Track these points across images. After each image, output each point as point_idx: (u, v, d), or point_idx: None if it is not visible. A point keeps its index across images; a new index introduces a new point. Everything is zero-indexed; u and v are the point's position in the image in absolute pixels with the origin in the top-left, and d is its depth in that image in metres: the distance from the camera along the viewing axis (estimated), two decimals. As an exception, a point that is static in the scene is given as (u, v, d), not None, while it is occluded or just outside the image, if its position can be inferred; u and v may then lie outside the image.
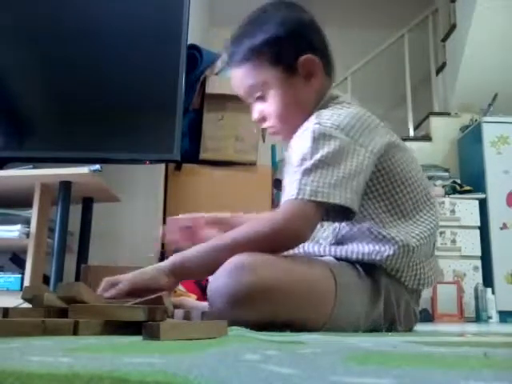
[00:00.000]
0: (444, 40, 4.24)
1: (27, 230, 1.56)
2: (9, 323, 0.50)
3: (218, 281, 0.73)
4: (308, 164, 0.81)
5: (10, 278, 1.58)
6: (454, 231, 3.37)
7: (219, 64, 2.12)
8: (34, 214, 1.56)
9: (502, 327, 2.05)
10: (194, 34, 2.37)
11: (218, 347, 0.41)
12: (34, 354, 0.34)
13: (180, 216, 1.12)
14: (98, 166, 1.53)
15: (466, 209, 3.41)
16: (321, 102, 0.96)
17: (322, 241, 0.94)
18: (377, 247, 0.87)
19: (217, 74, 2.12)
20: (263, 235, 0.79)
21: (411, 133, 4.18)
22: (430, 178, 3.60)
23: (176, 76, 1.71)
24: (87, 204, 1.75)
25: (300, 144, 0.86)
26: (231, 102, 2.08)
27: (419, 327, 1.06)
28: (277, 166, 2.46)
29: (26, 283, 1.50)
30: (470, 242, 3.36)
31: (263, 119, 0.98)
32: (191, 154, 2.06)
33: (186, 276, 0.87)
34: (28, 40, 1.82)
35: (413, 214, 0.92)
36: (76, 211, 1.70)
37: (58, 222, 1.55)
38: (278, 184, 2.74)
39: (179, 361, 0.31)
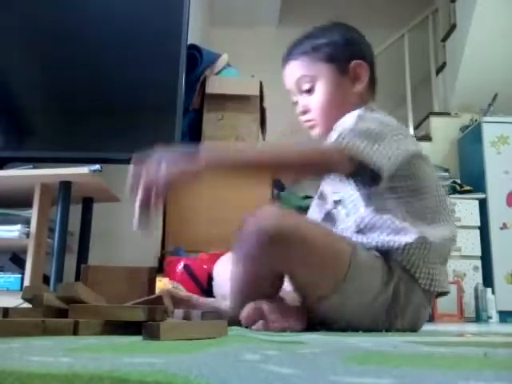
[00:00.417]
0: (444, 40, 4.24)
1: (27, 230, 1.56)
2: (9, 323, 0.50)
3: (253, 223, 0.80)
4: (352, 129, 0.87)
5: (10, 278, 1.58)
6: (454, 231, 3.37)
7: (219, 64, 2.12)
8: (34, 213, 1.56)
9: (502, 327, 2.05)
10: (194, 34, 2.37)
11: (218, 347, 0.41)
12: (34, 354, 0.34)
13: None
14: (97, 166, 1.53)
15: (466, 209, 3.41)
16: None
17: (345, 231, 0.96)
18: (396, 237, 0.90)
19: (217, 73, 2.12)
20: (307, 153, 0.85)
21: (411, 133, 4.17)
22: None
23: (176, 76, 1.71)
24: (87, 204, 1.75)
25: (343, 122, 0.92)
26: (231, 101, 2.08)
27: (419, 327, 1.06)
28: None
29: (26, 283, 1.50)
30: (470, 242, 3.36)
31: (306, 111, 1.05)
32: (191, 154, 2.05)
33: (219, 160, 0.85)
34: (28, 40, 1.82)
35: (432, 221, 0.95)
36: (76, 211, 1.70)
37: (58, 222, 1.55)
38: (278, 184, 2.74)
39: (179, 361, 0.31)
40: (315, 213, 1.05)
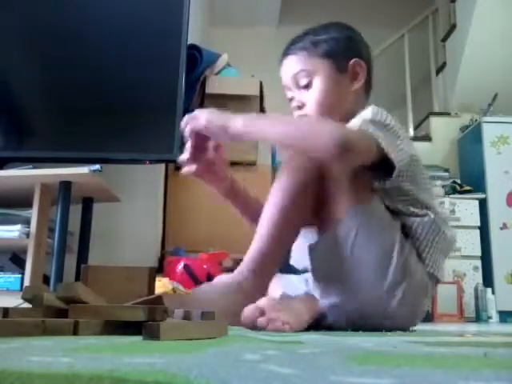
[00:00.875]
0: (444, 40, 4.24)
1: (27, 230, 1.56)
2: (9, 323, 0.50)
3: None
4: (373, 120, 0.88)
5: (10, 278, 1.58)
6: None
7: (219, 64, 2.12)
8: (34, 213, 1.56)
9: (502, 327, 2.05)
10: (194, 34, 2.37)
11: (218, 347, 0.42)
12: (34, 354, 0.34)
13: None
14: (97, 166, 1.53)
15: (466, 209, 3.42)
16: (359, 111, 1.00)
17: None
18: (417, 210, 0.95)
19: (217, 73, 2.12)
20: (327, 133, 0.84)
21: (411, 133, 4.17)
22: (429, 177, 3.60)
23: (176, 76, 1.71)
24: (87, 204, 1.75)
25: (360, 116, 0.92)
26: (231, 101, 2.09)
27: (419, 327, 1.06)
28: (277, 166, 2.46)
29: (26, 283, 1.50)
30: (470, 242, 3.36)
31: (301, 107, 1.03)
32: (191, 153, 2.05)
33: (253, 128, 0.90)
34: (28, 40, 1.82)
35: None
36: (76, 211, 1.70)
37: (58, 222, 1.55)
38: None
39: (179, 361, 0.31)
40: None
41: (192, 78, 2.02)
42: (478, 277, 3.32)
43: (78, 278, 1.60)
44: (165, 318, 0.52)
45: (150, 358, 0.32)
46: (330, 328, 0.87)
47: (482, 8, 3.57)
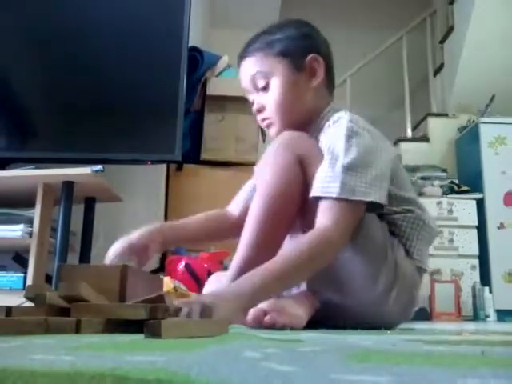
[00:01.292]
0: (442, 42, 4.24)
1: (30, 229, 1.56)
2: (11, 322, 0.50)
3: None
4: (344, 162, 0.85)
5: (12, 277, 1.59)
6: (451, 231, 3.37)
7: (220, 66, 2.12)
8: (36, 213, 1.56)
9: (500, 326, 2.05)
10: (195, 36, 2.37)
11: (219, 345, 0.42)
12: (37, 353, 0.34)
13: (133, 236, 1.07)
14: (100, 167, 1.53)
15: (464, 209, 3.42)
16: (324, 111, 0.99)
17: None
18: (394, 206, 0.95)
19: (217, 75, 2.12)
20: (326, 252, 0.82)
21: (409, 133, 4.17)
22: (427, 178, 3.61)
23: (177, 77, 1.71)
24: (89, 204, 1.75)
25: (332, 139, 0.89)
26: (232, 103, 2.09)
27: (417, 326, 1.07)
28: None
29: (29, 282, 1.50)
30: (468, 242, 3.37)
31: (261, 110, 1.01)
32: (192, 154, 2.06)
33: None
34: (30, 41, 1.82)
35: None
36: (78, 211, 1.71)
37: (60, 222, 1.55)
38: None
39: (180, 359, 0.32)
40: None
41: (193, 79, 2.02)
42: (476, 276, 3.32)
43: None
44: (166, 316, 0.52)
45: (152, 356, 0.32)
46: (328, 326, 0.87)
47: (480, 10, 3.57)
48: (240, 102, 2.15)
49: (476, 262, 3.35)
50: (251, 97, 1.03)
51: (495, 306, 3.17)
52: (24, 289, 1.50)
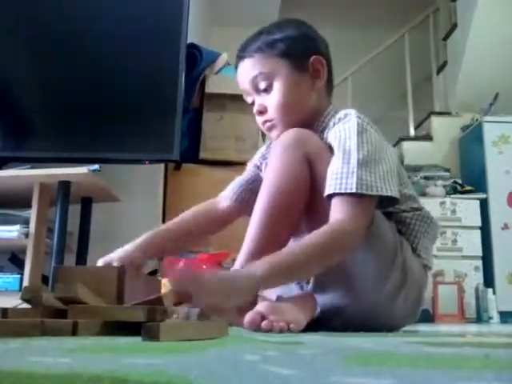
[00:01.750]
0: (445, 39, 4.24)
1: (26, 230, 1.56)
2: (8, 323, 0.50)
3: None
4: (359, 157, 0.85)
5: (8, 279, 1.58)
6: (454, 231, 3.37)
7: (219, 63, 2.12)
8: (32, 214, 1.55)
9: (503, 328, 2.05)
10: (194, 34, 2.37)
11: (218, 348, 0.41)
12: (34, 355, 0.34)
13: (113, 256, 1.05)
14: (96, 166, 1.53)
15: (467, 209, 3.41)
16: (324, 112, 0.99)
17: None
18: (402, 205, 0.96)
19: (216, 73, 2.12)
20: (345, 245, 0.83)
21: (412, 132, 4.18)
22: (430, 178, 3.60)
23: (176, 75, 1.70)
24: (86, 204, 1.75)
25: (342, 135, 0.89)
26: (231, 101, 2.08)
27: (420, 327, 1.06)
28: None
29: (25, 283, 1.50)
30: (471, 243, 3.36)
31: (263, 112, 0.99)
32: (191, 153, 2.05)
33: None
34: (27, 40, 1.82)
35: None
36: (75, 211, 1.70)
37: (56, 222, 1.55)
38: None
39: (178, 361, 0.31)
40: None
41: (192, 77, 2.01)
42: (479, 277, 3.31)
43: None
44: (164, 318, 0.52)
45: (149, 359, 0.32)
46: (328, 328, 0.87)
47: (483, 7, 3.56)
48: (240, 101, 2.14)
49: (479, 263, 3.35)
50: (250, 98, 1.02)
51: (498, 308, 3.16)
52: (20, 290, 1.50)
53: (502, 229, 3.33)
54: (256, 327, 0.74)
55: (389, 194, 0.84)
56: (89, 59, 1.76)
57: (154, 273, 1.83)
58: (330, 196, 0.85)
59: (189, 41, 1.83)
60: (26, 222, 1.56)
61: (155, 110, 1.72)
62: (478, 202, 3.41)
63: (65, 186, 1.56)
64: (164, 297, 0.56)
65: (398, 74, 4.33)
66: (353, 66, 4.39)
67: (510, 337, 0.91)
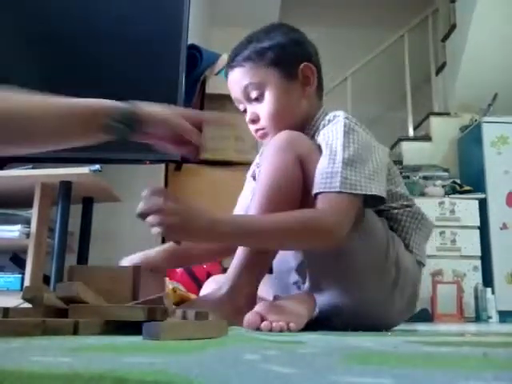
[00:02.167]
0: (444, 40, 4.24)
1: (27, 230, 1.56)
2: (9, 323, 0.50)
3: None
4: (344, 157, 0.86)
5: (10, 278, 1.58)
6: (453, 231, 3.37)
7: (219, 64, 2.12)
8: (34, 213, 1.56)
9: (502, 327, 2.05)
10: (194, 34, 2.37)
11: (218, 347, 0.42)
12: (35, 354, 0.34)
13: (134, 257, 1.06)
14: (97, 166, 1.53)
15: (466, 209, 3.41)
16: (315, 116, 1.00)
17: None
18: (393, 202, 0.99)
19: (217, 74, 2.12)
20: (314, 226, 0.83)
21: (411, 133, 4.18)
22: (429, 178, 3.60)
23: (176, 76, 1.70)
24: (87, 204, 1.75)
25: (330, 135, 0.91)
26: (231, 102, 2.08)
27: (419, 327, 1.07)
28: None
29: (27, 283, 1.50)
30: (470, 242, 3.36)
31: (255, 120, 1.00)
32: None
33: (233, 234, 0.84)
34: (27, 40, 1.82)
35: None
36: (76, 211, 1.70)
37: (58, 222, 1.55)
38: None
39: (179, 360, 0.31)
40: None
41: (192, 78, 2.01)
42: (478, 277, 3.31)
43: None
44: (165, 318, 0.52)
45: (150, 358, 0.32)
46: (328, 328, 0.87)
47: (482, 8, 3.56)
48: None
49: (478, 262, 3.34)
50: (242, 106, 1.03)
51: (497, 307, 3.16)
52: (21, 290, 1.50)
53: (501, 229, 3.33)
54: (255, 328, 0.75)
55: (373, 193, 0.86)
56: (89, 60, 1.76)
57: None
58: (317, 195, 0.87)
59: (189, 41, 1.83)
60: (28, 222, 1.57)
61: (156, 110, 1.72)
62: (476, 202, 3.41)
63: (66, 186, 1.56)
64: (164, 296, 0.56)
65: (398, 75, 4.32)
66: (352, 67, 4.39)
67: (508, 336, 0.91)
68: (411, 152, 3.87)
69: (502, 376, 0.28)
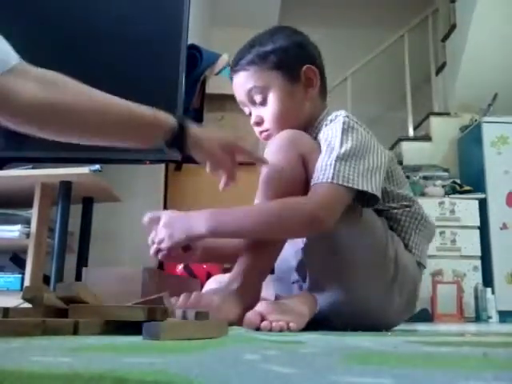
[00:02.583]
0: (444, 40, 4.24)
1: (27, 230, 1.56)
2: (9, 323, 0.50)
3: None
4: (339, 152, 0.87)
5: (10, 278, 1.59)
6: (453, 231, 3.37)
7: (219, 64, 2.12)
8: (34, 214, 1.56)
9: (502, 327, 2.05)
10: (194, 34, 2.37)
11: (218, 347, 0.42)
12: (35, 354, 0.34)
13: None
14: (98, 166, 1.53)
15: (466, 209, 3.41)
16: (319, 116, 1.01)
17: None
18: (393, 203, 0.99)
19: (217, 74, 2.12)
20: (299, 213, 0.85)
21: (411, 133, 4.18)
22: (429, 178, 3.60)
23: (176, 76, 1.71)
24: (87, 204, 1.75)
25: (330, 133, 0.92)
26: (231, 102, 2.08)
27: (419, 327, 1.07)
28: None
29: (27, 283, 1.50)
30: (470, 242, 3.36)
31: (260, 123, 1.01)
32: (191, 154, 2.05)
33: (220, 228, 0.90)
34: (28, 40, 1.81)
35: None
36: (76, 211, 1.70)
37: (58, 222, 1.55)
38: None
39: (179, 360, 0.31)
40: None
41: (192, 77, 2.02)
42: (478, 277, 3.31)
43: (78, 278, 1.60)
44: (165, 318, 0.52)
45: (150, 358, 0.32)
46: (327, 327, 0.87)
47: (482, 8, 3.56)
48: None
49: (478, 262, 3.35)
50: (247, 109, 1.04)
51: (497, 307, 3.16)
52: (21, 290, 1.50)
53: (501, 229, 3.33)
54: (255, 327, 0.75)
55: (364, 189, 0.86)
56: (90, 59, 1.76)
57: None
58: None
59: (189, 41, 1.83)
60: (28, 222, 1.57)
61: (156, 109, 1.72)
62: (476, 202, 3.41)
63: (66, 186, 1.56)
64: (165, 296, 0.56)
65: (398, 75, 4.32)
66: (352, 67, 4.39)
67: (508, 336, 0.91)
68: (411, 152, 3.87)
69: (502, 376, 0.28)
